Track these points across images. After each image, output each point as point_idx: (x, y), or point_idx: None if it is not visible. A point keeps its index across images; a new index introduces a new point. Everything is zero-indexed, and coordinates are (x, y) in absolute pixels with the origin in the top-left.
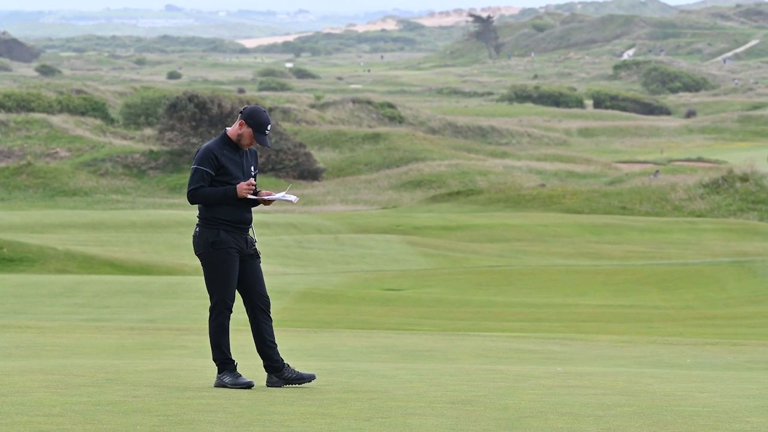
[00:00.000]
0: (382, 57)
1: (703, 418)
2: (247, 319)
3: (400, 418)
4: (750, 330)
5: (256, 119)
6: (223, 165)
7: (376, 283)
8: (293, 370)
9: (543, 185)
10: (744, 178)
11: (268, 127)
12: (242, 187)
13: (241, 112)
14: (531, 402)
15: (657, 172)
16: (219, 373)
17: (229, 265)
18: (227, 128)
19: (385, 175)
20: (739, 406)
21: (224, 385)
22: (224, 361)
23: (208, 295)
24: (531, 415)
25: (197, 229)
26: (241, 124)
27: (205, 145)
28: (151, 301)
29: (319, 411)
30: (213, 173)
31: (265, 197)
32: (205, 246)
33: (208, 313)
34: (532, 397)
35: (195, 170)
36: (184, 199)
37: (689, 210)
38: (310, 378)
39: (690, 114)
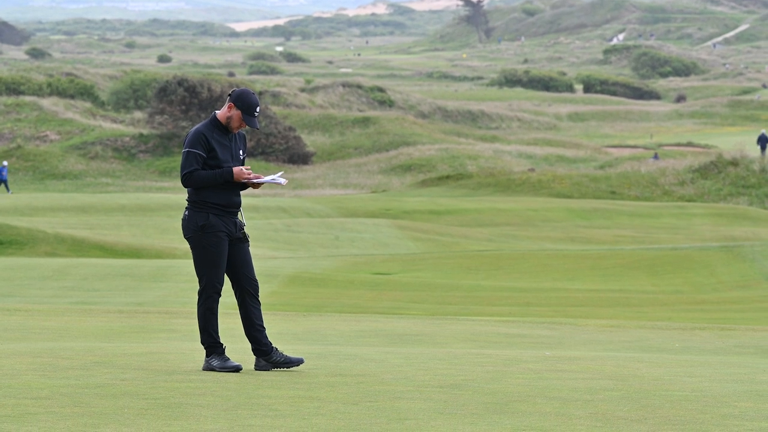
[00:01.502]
0: (367, 42)
1: (692, 403)
2: (236, 302)
3: (388, 402)
4: (739, 315)
5: (245, 101)
6: (212, 148)
7: (365, 267)
8: (281, 354)
9: (532, 170)
10: (734, 163)
11: (257, 109)
12: (241, 172)
13: (230, 95)
14: (519, 386)
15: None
16: (207, 356)
17: (218, 249)
18: (216, 111)
19: (374, 159)
20: (727, 391)
21: (212, 369)
22: (212, 345)
23: (197, 279)
24: (519, 399)
25: (186, 213)
26: (230, 107)
27: (194, 128)
28: (140, 284)
29: (307, 395)
30: (205, 155)
31: (255, 180)
32: (195, 229)
33: (197, 297)
34: (520, 381)
35: (187, 153)
36: (174, 183)
37: (679, 195)
38: (298, 362)
39: (680, 99)
